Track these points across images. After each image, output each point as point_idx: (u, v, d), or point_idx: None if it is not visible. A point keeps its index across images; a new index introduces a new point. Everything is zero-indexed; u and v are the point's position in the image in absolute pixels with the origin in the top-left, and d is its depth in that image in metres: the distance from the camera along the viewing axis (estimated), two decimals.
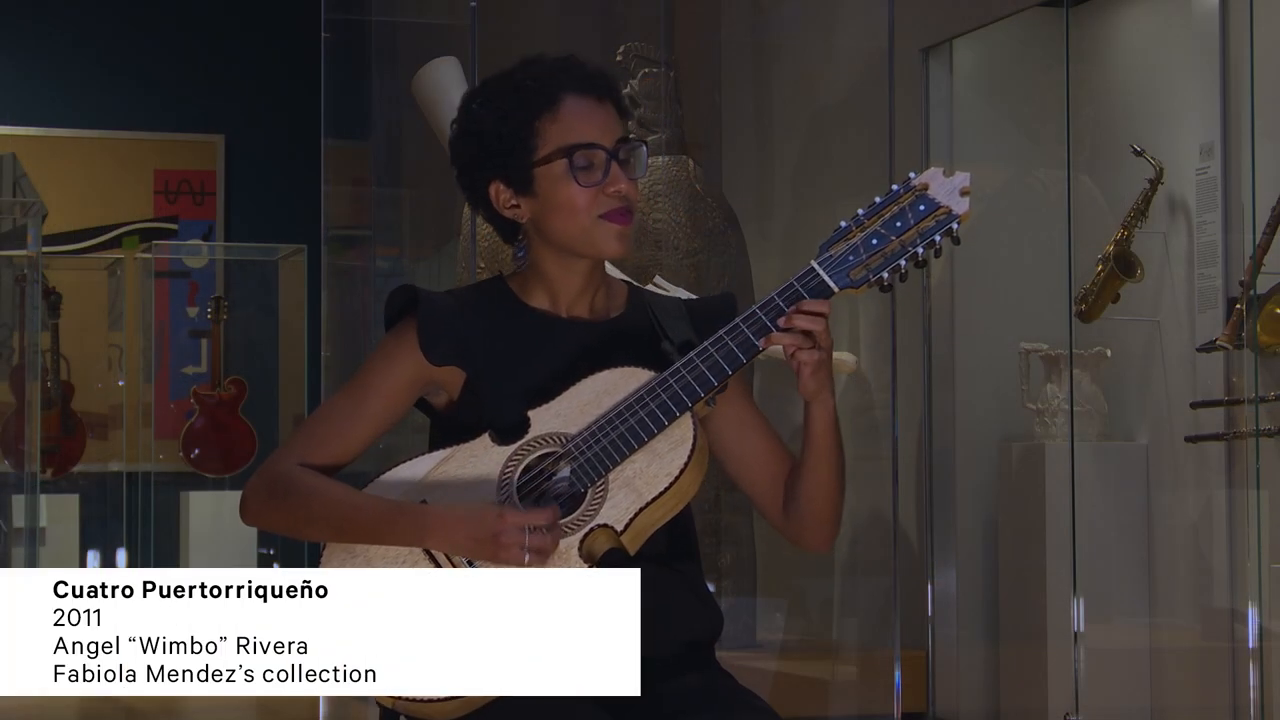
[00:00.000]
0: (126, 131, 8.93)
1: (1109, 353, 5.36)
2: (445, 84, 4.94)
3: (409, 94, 5.11)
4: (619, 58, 5.57)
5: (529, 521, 2.27)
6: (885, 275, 2.32)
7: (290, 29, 8.60)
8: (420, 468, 2.38)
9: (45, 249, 7.83)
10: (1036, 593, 5.29)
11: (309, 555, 8.18)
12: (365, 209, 5.90)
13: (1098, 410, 5.34)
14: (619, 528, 2.31)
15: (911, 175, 2.33)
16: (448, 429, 2.44)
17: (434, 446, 2.42)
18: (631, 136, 2.47)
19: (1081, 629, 4.87)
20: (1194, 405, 5.00)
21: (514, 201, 2.46)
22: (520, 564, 2.27)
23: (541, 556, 2.28)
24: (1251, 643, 4.51)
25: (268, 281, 8.98)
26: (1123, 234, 5.17)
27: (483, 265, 5.13)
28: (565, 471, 2.32)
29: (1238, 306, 4.70)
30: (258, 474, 2.44)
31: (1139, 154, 5.15)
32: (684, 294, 4.64)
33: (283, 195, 8.87)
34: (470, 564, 2.32)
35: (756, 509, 2.54)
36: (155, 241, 8.86)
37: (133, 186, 8.97)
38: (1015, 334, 5.53)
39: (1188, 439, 5.01)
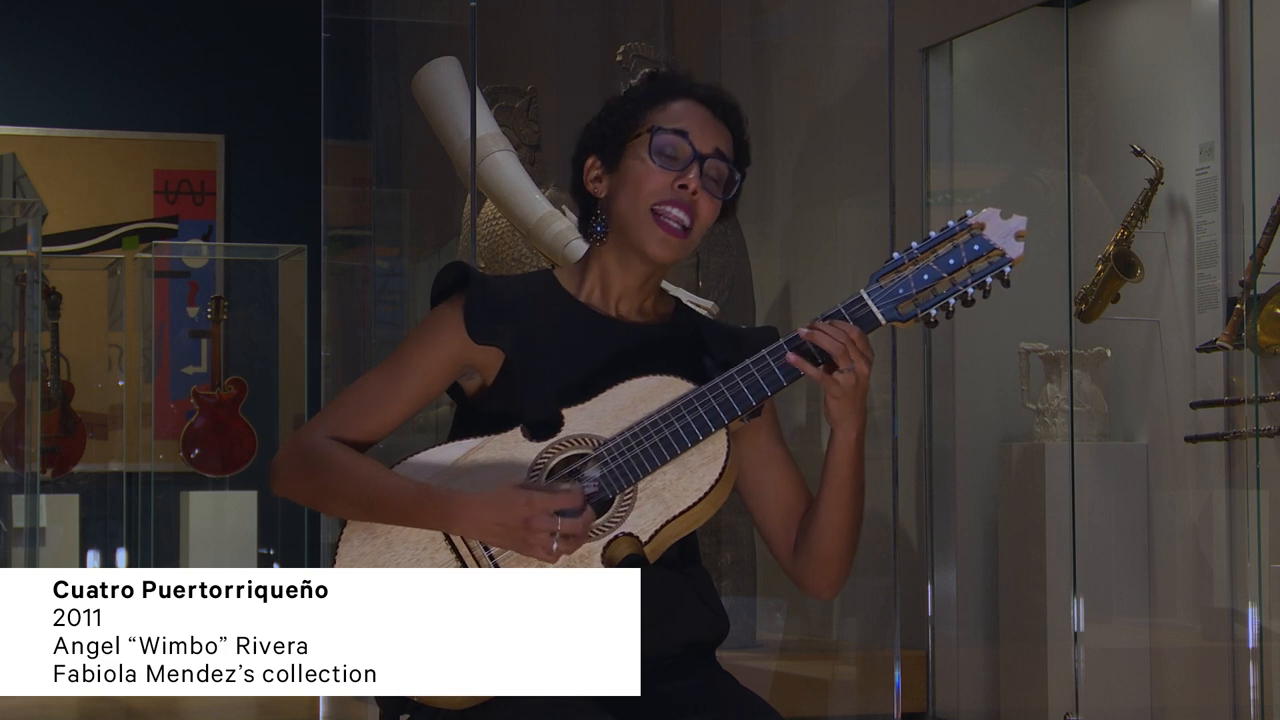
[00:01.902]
0: (126, 131, 8.93)
1: (1109, 353, 5.36)
2: (445, 84, 4.94)
3: (409, 94, 5.11)
4: (619, 58, 5.57)
5: (558, 505, 2.26)
6: (933, 312, 2.31)
7: (290, 29, 8.61)
8: (449, 454, 2.37)
9: (45, 249, 7.83)
10: (1036, 593, 5.29)
11: (309, 555, 8.18)
12: (365, 209, 5.89)
13: (1098, 410, 5.34)
14: (644, 538, 2.30)
15: (969, 213, 2.31)
16: (474, 417, 2.43)
17: (456, 436, 2.42)
18: (733, 166, 2.45)
19: (1081, 629, 4.87)
20: (1194, 405, 5.00)
21: (599, 175, 2.47)
22: (549, 551, 2.26)
23: (571, 544, 2.27)
24: (1251, 643, 4.51)
25: (268, 281, 8.99)
26: (1123, 234, 5.17)
27: (483, 265, 5.13)
28: (595, 474, 2.31)
29: (1238, 306, 4.70)
30: (289, 443, 2.43)
31: (1139, 154, 5.15)
32: (685, 294, 4.64)
33: (283, 195, 8.88)
34: (489, 553, 2.31)
35: (768, 547, 2.51)
36: (155, 241, 8.86)
37: (133, 186, 8.97)
38: (1015, 334, 5.53)
39: (1188, 439, 5.01)
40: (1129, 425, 5.42)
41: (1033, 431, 5.46)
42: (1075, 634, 4.88)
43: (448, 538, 2.33)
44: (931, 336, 5.69)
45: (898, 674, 4.73)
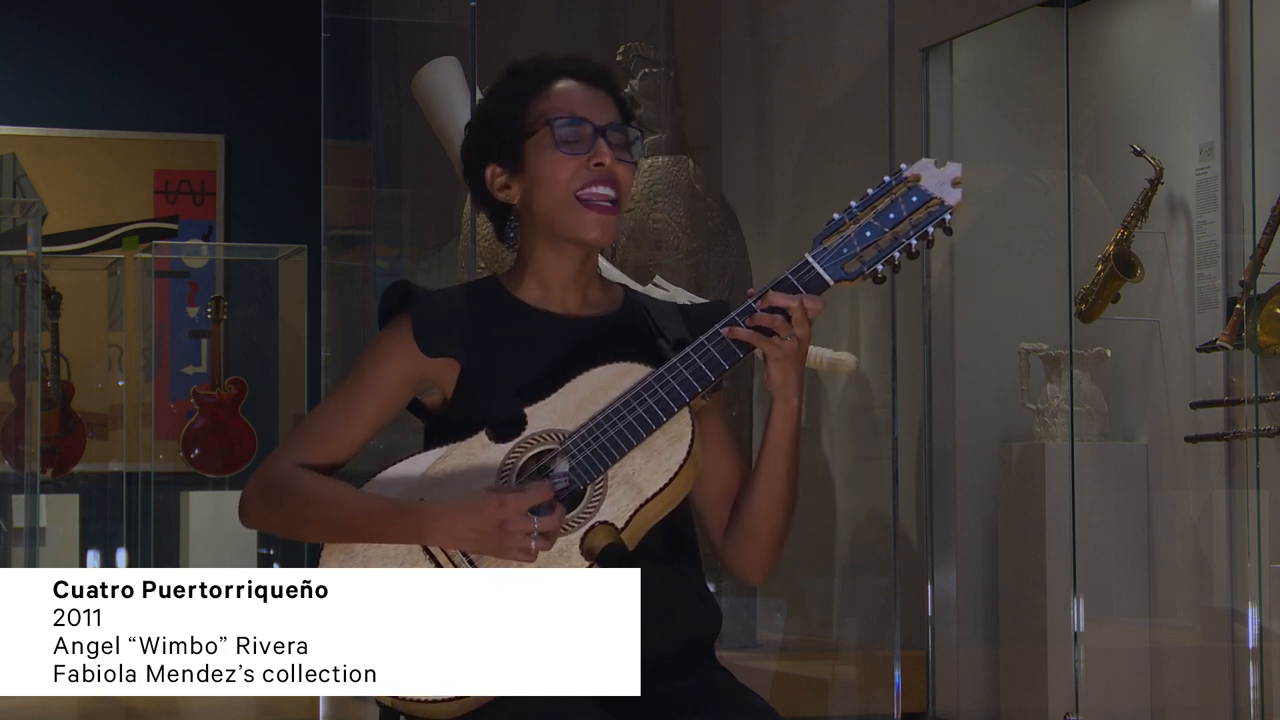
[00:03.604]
0: (126, 131, 8.93)
1: (1109, 353, 5.36)
2: (445, 84, 4.94)
3: (409, 94, 5.11)
4: (619, 58, 5.57)
5: (530, 503, 2.27)
6: (879, 267, 2.32)
7: (290, 29, 8.61)
8: (418, 466, 2.37)
9: (45, 249, 7.83)
10: (1036, 593, 5.29)
11: (309, 555, 8.18)
12: (365, 209, 5.90)
13: (1098, 410, 5.35)
14: (619, 524, 2.31)
15: (903, 166, 2.33)
16: (442, 429, 2.44)
17: (429, 449, 2.42)
18: (628, 125, 2.48)
19: (1081, 629, 4.87)
20: (1194, 405, 5.00)
21: (506, 182, 2.48)
22: (527, 551, 2.26)
23: (547, 540, 2.27)
24: (1251, 643, 4.51)
25: (268, 281, 8.99)
26: (1123, 234, 5.17)
27: (483, 265, 5.13)
28: (564, 468, 2.32)
29: (1238, 306, 4.70)
30: (255, 477, 2.44)
31: (1139, 154, 5.15)
32: (684, 294, 4.64)
33: (283, 195, 8.88)
34: (470, 560, 2.31)
35: (699, 525, 2.51)
36: (155, 241, 8.86)
37: (133, 186, 8.97)
38: (1015, 334, 5.53)
39: (1188, 439, 5.01)
40: (1129, 425, 5.42)
41: (1033, 431, 5.46)
42: (1075, 634, 4.88)
43: (426, 550, 2.33)
44: (932, 336, 5.69)
45: (898, 674, 4.74)
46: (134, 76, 8.96)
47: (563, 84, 2.47)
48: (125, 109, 8.94)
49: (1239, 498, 4.89)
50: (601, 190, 2.43)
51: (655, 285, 4.88)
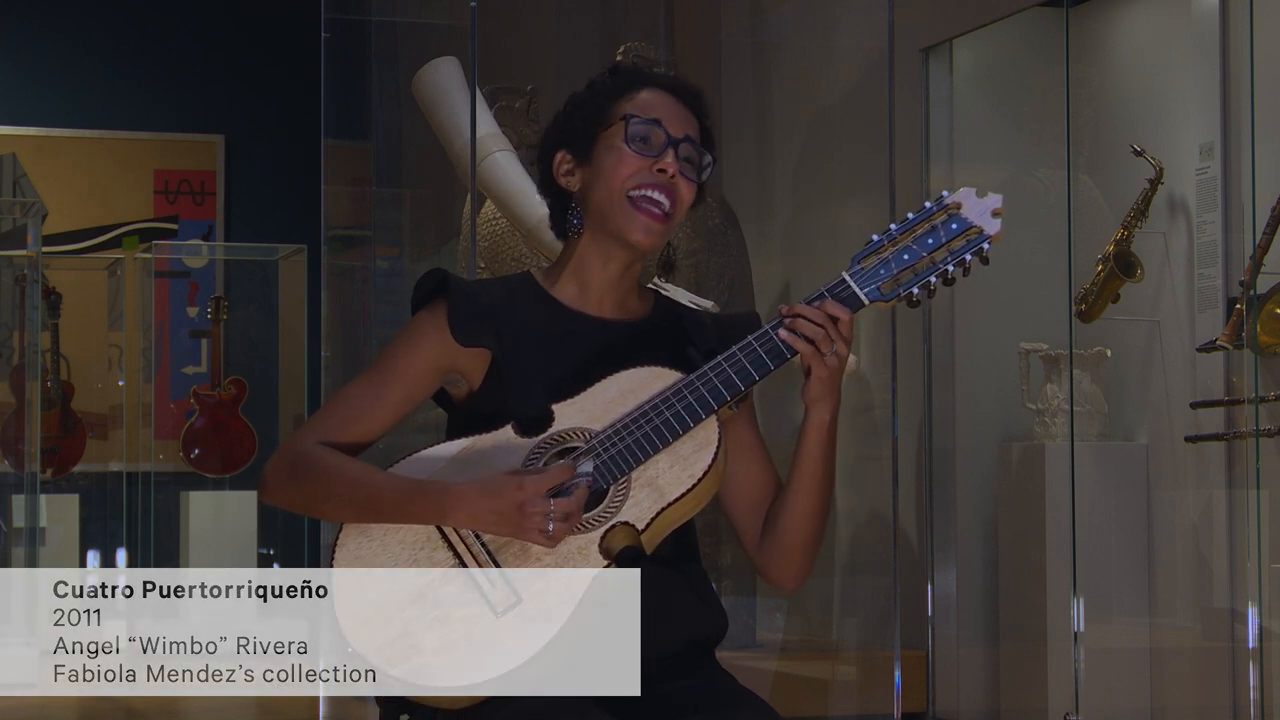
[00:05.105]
0: (126, 131, 8.93)
1: (1109, 353, 5.36)
2: (445, 84, 4.94)
3: (409, 94, 5.11)
4: (619, 58, 5.56)
5: (550, 484, 2.27)
6: (914, 291, 2.33)
7: (290, 29, 8.61)
8: (442, 453, 2.38)
9: (45, 249, 7.83)
10: (1036, 593, 5.29)
11: (309, 555, 8.18)
12: (365, 209, 5.89)
13: (1098, 410, 5.35)
14: (640, 526, 2.31)
15: (945, 193, 2.35)
16: (466, 422, 2.43)
17: (451, 439, 2.41)
18: (705, 150, 2.49)
19: (1081, 629, 4.87)
20: (1194, 405, 5.00)
21: (571, 169, 2.50)
22: (545, 533, 2.26)
23: (566, 524, 2.27)
24: (1251, 643, 4.51)
25: (268, 281, 8.98)
26: (1123, 234, 5.17)
27: (483, 265, 5.13)
28: (588, 467, 2.32)
29: (1238, 306, 4.70)
30: (278, 452, 2.44)
31: (1139, 154, 5.15)
32: (684, 294, 4.64)
33: (283, 195, 8.88)
34: (487, 551, 2.31)
35: (735, 533, 2.52)
36: (155, 241, 8.86)
37: (133, 186, 8.97)
38: (1015, 334, 5.53)
39: (1188, 439, 5.02)
40: (1129, 425, 5.42)
41: (1033, 431, 5.46)
42: (1075, 634, 4.88)
43: (444, 536, 2.33)
44: (932, 336, 5.69)
45: (898, 674, 4.74)
46: (134, 76, 8.96)
47: (653, 91, 2.49)
48: (125, 109, 8.94)
49: (1239, 498, 4.89)
50: (656, 195, 2.44)
51: (655, 286, 4.88)
